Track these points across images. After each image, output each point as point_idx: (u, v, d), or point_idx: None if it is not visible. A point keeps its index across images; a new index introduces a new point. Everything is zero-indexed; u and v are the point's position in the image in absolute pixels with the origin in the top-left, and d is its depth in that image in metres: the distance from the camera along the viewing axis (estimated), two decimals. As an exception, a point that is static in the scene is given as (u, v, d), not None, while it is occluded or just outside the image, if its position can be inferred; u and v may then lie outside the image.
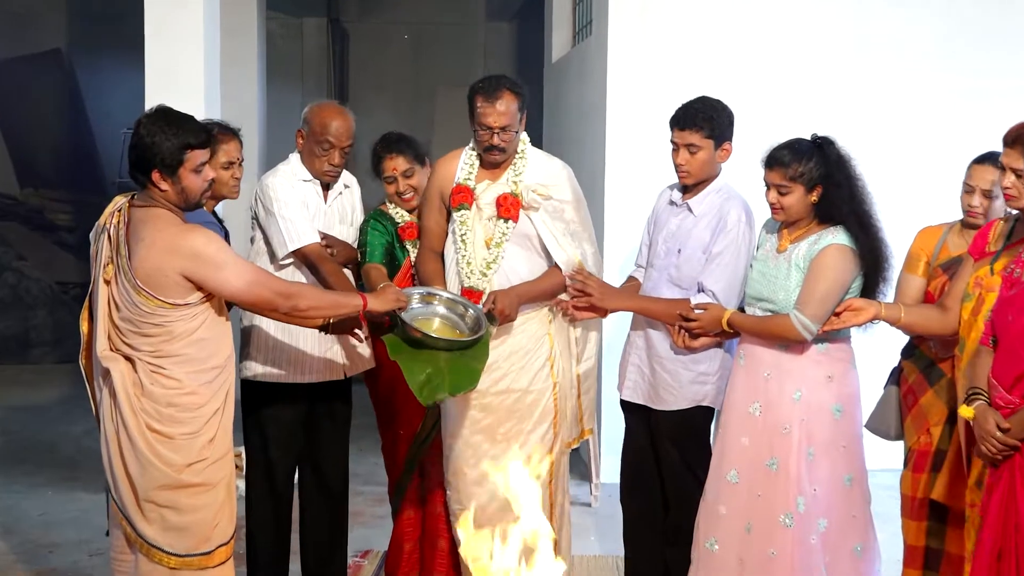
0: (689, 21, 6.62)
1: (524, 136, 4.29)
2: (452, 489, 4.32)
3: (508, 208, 4.18)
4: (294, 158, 4.47)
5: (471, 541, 3.27)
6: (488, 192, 4.23)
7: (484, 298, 4.14)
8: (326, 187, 4.49)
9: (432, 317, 4.12)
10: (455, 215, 4.25)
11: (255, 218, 4.46)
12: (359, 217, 4.65)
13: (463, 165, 4.29)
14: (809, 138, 3.92)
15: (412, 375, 3.89)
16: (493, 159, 4.21)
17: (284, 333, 4.37)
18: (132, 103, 6.08)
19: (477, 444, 4.24)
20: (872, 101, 6.74)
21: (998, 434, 3.26)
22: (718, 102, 4.19)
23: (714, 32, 6.63)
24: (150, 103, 5.44)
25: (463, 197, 4.24)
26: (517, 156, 4.26)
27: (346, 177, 4.60)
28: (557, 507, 4.31)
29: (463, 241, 4.21)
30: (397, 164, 4.59)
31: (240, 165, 4.33)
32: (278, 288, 3.61)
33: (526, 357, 4.23)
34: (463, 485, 4.26)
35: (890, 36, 6.76)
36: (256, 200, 4.42)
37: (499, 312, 4.07)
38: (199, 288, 3.43)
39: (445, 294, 4.18)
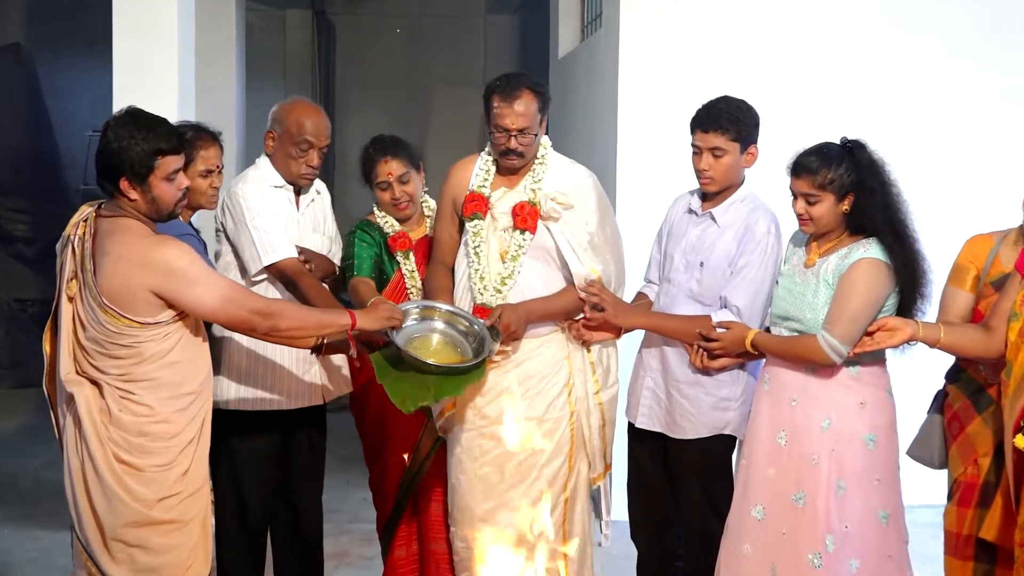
0: (708, 13, 6.61)
1: (545, 140, 4.30)
2: (457, 526, 4.30)
3: (525, 218, 4.18)
4: (263, 162, 4.45)
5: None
6: (504, 200, 4.24)
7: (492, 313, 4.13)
8: (297, 193, 4.49)
9: (430, 334, 4.14)
10: (468, 225, 4.24)
11: (221, 231, 4.44)
12: (331, 225, 4.65)
13: (478, 171, 4.30)
14: (838, 142, 3.93)
15: (396, 393, 3.91)
16: (511, 164, 4.22)
17: (258, 354, 4.36)
18: (99, 103, 6.11)
19: (485, 477, 4.22)
20: (911, 99, 6.72)
21: None
22: (742, 102, 4.21)
23: (735, 25, 6.62)
24: (118, 103, 5.46)
25: (477, 206, 4.24)
26: (537, 162, 4.26)
27: (316, 183, 4.59)
28: (575, 549, 4.29)
29: (476, 254, 4.21)
30: (392, 168, 4.58)
31: (220, 173, 4.32)
32: (256, 306, 3.60)
33: (542, 382, 4.22)
34: (469, 523, 4.24)
35: (929, 26, 6.74)
36: (223, 210, 4.39)
37: (504, 327, 4.05)
38: (170, 306, 3.43)
39: (445, 307, 4.18)
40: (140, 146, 3.41)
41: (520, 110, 4.12)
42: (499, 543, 4.06)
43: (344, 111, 13.75)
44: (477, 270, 4.21)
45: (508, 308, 4.10)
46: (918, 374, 4.36)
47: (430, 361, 3.98)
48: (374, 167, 4.60)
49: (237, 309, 3.53)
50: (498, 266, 4.20)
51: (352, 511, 6.36)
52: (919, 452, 4.27)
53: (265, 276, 4.33)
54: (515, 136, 4.14)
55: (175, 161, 3.48)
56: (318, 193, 4.61)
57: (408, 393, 3.92)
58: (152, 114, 3.53)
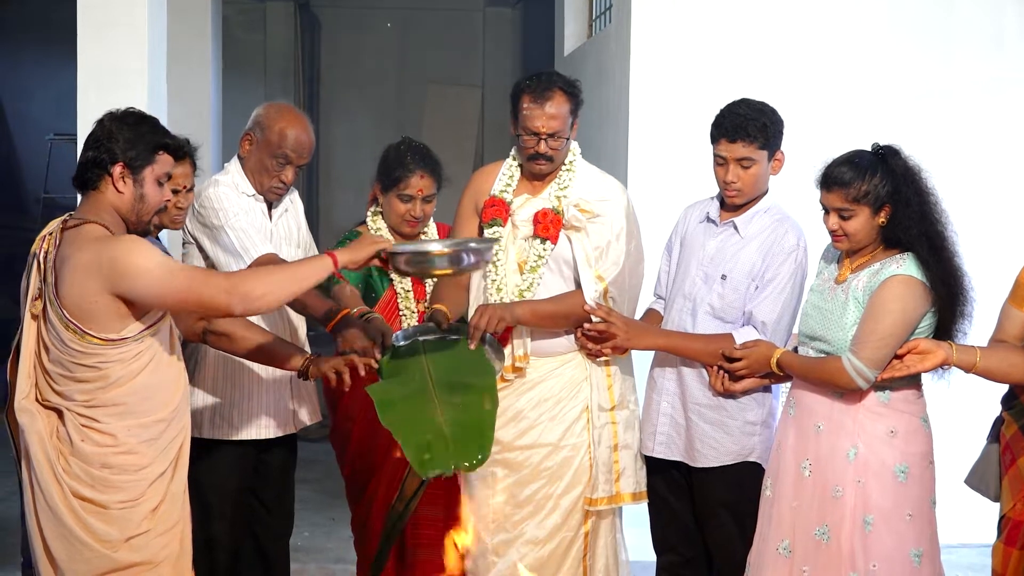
0: (727, 7, 6.63)
1: (575, 146, 4.35)
2: (470, 559, 4.34)
3: (547, 226, 4.22)
4: (234, 168, 4.47)
5: None
6: (526, 207, 4.28)
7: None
8: (270, 204, 4.51)
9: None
10: (486, 232, 4.29)
11: (191, 241, 4.45)
12: (305, 235, 4.67)
13: (501, 176, 4.36)
14: (870, 148, 3.94)
15: (407, 441, 3.78)
16: (538, 169, 4.26)
17: (233, 378, 4.38)
18: (61, 105, 6.12)
19: (498, 508, 4.25)
20: (953, 99, 6.71)
21: None
22: (765, 105, 4.24)
23: (754, 20, 6.62)
24: (83, 104, 5.48)
25: (496, 211, 4.28)
26: (564, 168, 4.31)
27: (290, 193, 4.61)
28: None
29: (493, 264, 4.23)
30: (425, 185, 4.63)
31: (189, 192, 4.30)
32: (221, 284, 3.48)
33: (558, 406, 4.25)
34: (482, 555, 4.28)
35: (970, 21, 6.75)
36: (192, 216, 4.40)
37: (472, 325, 4.09)
38: (129, 304, 3.39)
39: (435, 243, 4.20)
40: (144, 136, 3.48)
41: (552, 112, 4.18)
42: (511, 577, 4.08)
43: (329, 113, 13.78)
44: (494, 281, 4.25)
45: (487, 306, 4.14)
46: (976, 399, 4.36)
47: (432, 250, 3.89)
48: (407, 176, 4.62)
49: (204, 288, 3.44)
50: (516, 278, 4.25)
51: (337, 551, 6.35)
52: (975, 482, 4.27)
53: None
54: (545, 139, 4.19)
55: (170, 163, 3.55)
56: (291, 203, 4.62)
57: (421, 439, 3.79)
58: (153, 116, 3.62)
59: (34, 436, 3.44)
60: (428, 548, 4.59)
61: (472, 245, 3.95)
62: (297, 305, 4.22)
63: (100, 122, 3.52)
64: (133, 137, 3.46)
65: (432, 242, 4.17)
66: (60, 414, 3.46)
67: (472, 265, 3.90)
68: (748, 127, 4.14)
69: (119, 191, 3.48)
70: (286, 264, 3.88)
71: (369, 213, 4.76)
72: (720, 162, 4.21)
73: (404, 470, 4.51)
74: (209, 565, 4.42)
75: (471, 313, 4.21)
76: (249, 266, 4.26)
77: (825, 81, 6.62)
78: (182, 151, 3.61)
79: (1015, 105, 6.76)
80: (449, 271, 3.90)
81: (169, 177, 3.57)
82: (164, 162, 3.52)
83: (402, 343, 4.14)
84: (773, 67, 6.47)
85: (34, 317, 3.49)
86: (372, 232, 4.66)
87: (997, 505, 4.20)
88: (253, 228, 4.33)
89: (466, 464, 3.80)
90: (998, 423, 4.22)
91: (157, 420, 3.51)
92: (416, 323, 4.51)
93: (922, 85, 6.70)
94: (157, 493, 3.51)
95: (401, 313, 4.59)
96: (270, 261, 4.26)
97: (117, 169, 3.46)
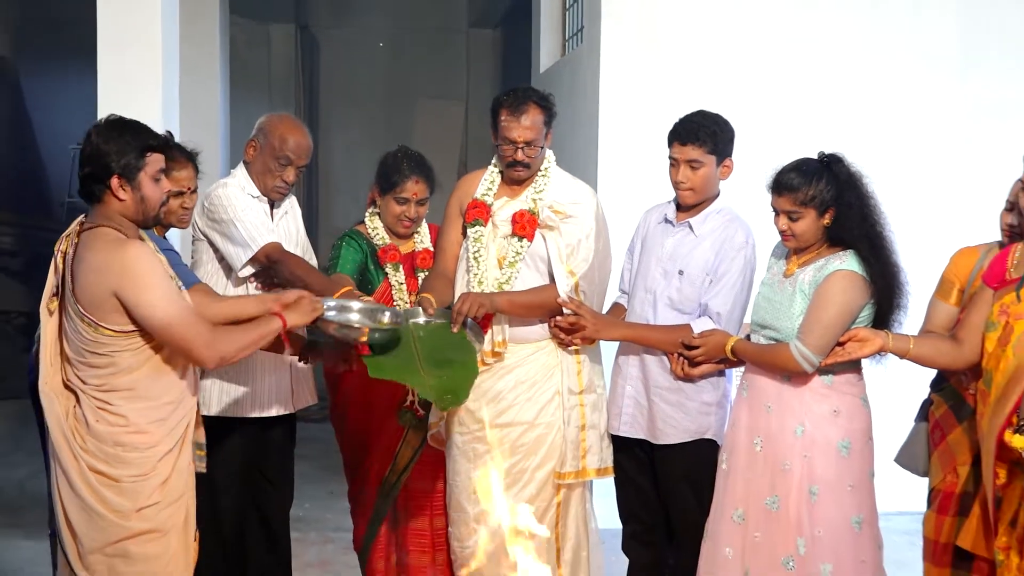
0: (689, 28, 6.65)
1: (549, 154, 4.38)
2: (453, 526, 4.38)
3: (524, 225, 4.25)
4: (240, 172, 4.49)
5: None
6: (506, 209, 4.31)
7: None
8: (272, 205, 4.52)
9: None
10: (469, 231, 4.32)
11: (201, 238, 4.45)
12: (302, 238, 4.67)
13: (484, 180, 4.39)
14: (816, 156, 3.96)
15: (419, 384, 3.97)
16: (516, 175, 4.30)
17: (243, 360, 4.36)
18: (83, 117, 6.08)
19: (479, 480, 4.27)
20: (889, 112, 6.79)
21: None
22: (719, 116, 4.26)
23: (716, 40, 6.67)
24: (103, 116, 5.45)
25: (478, 212, 4.31)
26: (540, 174, 4.34)
27: (289, 198, 4.63)
28: (568, 551, 4.34)
29: (475, 259, 4.27)
30: (419, 189, 4.64)
31: (193, 193, 4.31)
32: (204, 335, 3.47)
33: (533, 388, 4.27)
34: (464, 523, 4.31)
35: (904, 40, 6.81)
36: (202, 214, 4.41)
37: (455, 310, 4.12)
38: (127, 311, 3.38)
39: (359, 304, 4.20)
40: (129, 144, 3.43)
41: (527, 123, 4.22)
42: (493, 544, 4.07)
43: (327, 124, 13.75)
44: (476, 275, 4.27)
45: (468, 294, 4.17)
46: (908, 381, 4.40)
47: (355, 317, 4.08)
48: (403, 181, 4.63)
49: (186, 330, 3.41)
50: (496, 271, 4.27)
51: (336, 520, 6.35)
52: (906, 459, 4.30)
53: (251, 271, 4.36)
54: (521, 148, 4.23)
55: (160, 160, 3.51)
56: (291, 207, 4.64)
57: (431, 380, 3.96)
58: (133, 119, 3.55)
59: (53, 418, 3.46)
60: (417, 516, 4.60)
61: (385, 317, 4.15)
62: (299, 285, 4.22)
63: (88, 138, 3.47)
64: (120, 148, 3.42)
65: (354, 312, 4.20)
66: (77, 397, 3.47)
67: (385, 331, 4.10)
68: (699, 132, 4.17)
69: (121, 199, 3.46)
70: (244, 327, 3.76)
71: (367, 214, 4.76)
72: (673, 163, 4.24)
73: (396, 446, 4.53)
74: (217, 534, 4.41)
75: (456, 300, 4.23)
76: (254, 256, 4.31)
77: (774, 96, 6.67)
78: (167, 146, 3.56)
79: (949, 117, 6.81)
80: (364, 338, 4.05)
81: (164, 172, 3.52)
82: (154, 161, 3.48)
83: (389, 316, 4.17)
84: (728, 83, 6.52)
85: (50, 313, 3.50)
86: (370, 230, 4.69)
87: (926, 480, 4.24)
88: (259, 221, 4.36)
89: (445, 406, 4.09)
90: (926, 404, 4.26)
91: (165, 403, 3.51)
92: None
93: (863, 100, 6.75)
94: (165, 468, 3.52)
95: (395, 303, 4.59)
96: (275, 250, 4.31)
97: (114, 181, 3.43)
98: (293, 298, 3.87)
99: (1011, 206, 4.04)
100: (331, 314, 4.00)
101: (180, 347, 3.46)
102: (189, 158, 4.31)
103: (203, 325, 3.50)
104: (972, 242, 4.18)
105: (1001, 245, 4.04)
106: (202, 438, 3.71)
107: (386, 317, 4.15)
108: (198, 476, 3.72)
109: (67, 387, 3.48)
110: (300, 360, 4.15)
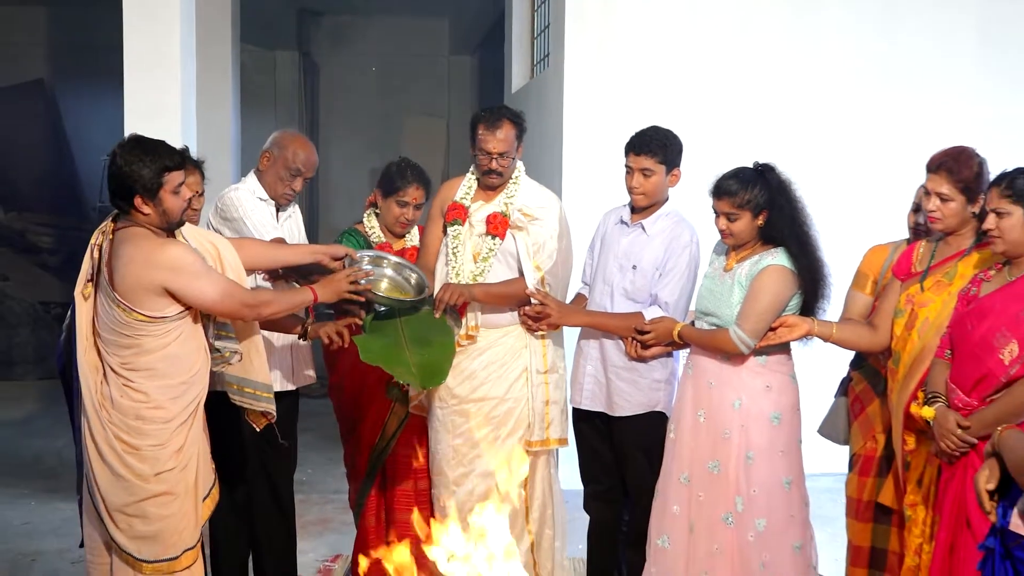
0: (643, 55, 6.68)
1: (520, 164, 4.39)
2: (435, 488, 4.39)
3: (496, 226, 4.27)
4: (251, 179, 4.47)
5: (444, 534, 3.31)
6: (481, 211, 4.32)
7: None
8: (278, 209, 4.51)
9: (381, 279, 4.22)
10: (449, 230, 4.33)
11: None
12: (304, 239, 4.66)
13: (463, 186, 4.39)
14: (752, 165, 3.96)
15: (398, 368, 3.98)
16: (491, 182, 4.30)
17: (260, 339, 4.33)
18: (112, 131, 6.06)
19: (457, 448, 4.29)
20: (817, 126, 6.83)
21: (959, 431, 3.35)
22: (669, 131, 4.27)
23: (667, 66, 6.70)
24: (129, 131, 5.41)
25: (457, 213, 4.32)
26: (511, 181, 4.34)
27: (292, 204, 4.61)
28: (536, 510, 4.34)
29: (454, 254, 4.29)
30: (419, 195, 4.64)
31: (200, 196, 4.30)
32: (246, 299, 3.62)
33: (502, 368, 4.28)
34: (444, 485, 4.32)
35: (829, 62, 6.86)
36: (215, 213, 4.39)
37: (438, 298, 4.14)
38: (177, 299, 3.43)
39: (394, 258, 4.27)
40: (148, 166, 3.40)
41: (500, 137, 4.22)
42: (470, 503, 4.08)
43: (327, 139, 13.71)
44: (454, 267, 4.27)
45: (451, 284, 4.18)
46: (829, 362, 4.42)
47: (404, 298, 4.13)
48: (406, 186, 4.60)
49: (232, 301, 3.54)
50: (471, 265, 4.27)
51: (335, 484, 6.34)
52: (827, 430, 4.33)
53: None
54: (496, 158, 4.23)
55: (179, 175, 3.48)
56: (294, 212, 4.63)
57: (410, 364, 3.98)
58: (152, 138, 3.52)
59: (86, 391, 3.47)
60: (403, 479, 4.59)
61: (412, 278, 4.25)
62: (303, 270, 4.20)
63: (112, 159, 3.44)
64: (139, 170, 3.40)
65: (383, 274, 4.26)
66: (104, 374, 3.47)
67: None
68: (651, 144, 4.17)
69: (145, 214, 3.45)
70: (286, 292, 3.97)
71: (366, 214, 4.74)
72: (628, 171, 4.24)
73: (385, 416, 4.52)
74: (229, 497, 4.38)
75: (437, 290, 4.24)
76: None
77: (716, 114, 6.71)
78: (183, 162, 3.54)
79: (866, 130, 6.85)
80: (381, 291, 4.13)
81: (182, 184, 3.51)
82: (173, 179, 3.45)
83: (368, 263, 4.19)
84: (676, 103, 6.55)
85: (84, 298, 3.49)
86: (367, 228, 4.68)
87: (846, 447, 4.27)
88: (266, 219, 4.36)
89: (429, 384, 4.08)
90: (846, 381, 4.30)
91: (181, 382, 3.51)
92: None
93: (792, 116, 6.79)
94: (179, 438, 3.52)
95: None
96: (279, 243, 4.30)
97: (137, 200, 3.43)
98: (342, 252, 4.07)
99: (916, 207, 4.09)
100: (366, 261, 4.15)
101: (229, 315, 3.63)
102: (196, 165, 4.28)
103: (245, 295, 3.62)
104: (883, 240, 4.23)
105: (908, 242, 4.09)
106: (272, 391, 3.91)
107: (412, 278, 4.23)
108: (213, 444, 3.75)
109: (102, 362, 3.48)
110: (300, 338, 4.16)
